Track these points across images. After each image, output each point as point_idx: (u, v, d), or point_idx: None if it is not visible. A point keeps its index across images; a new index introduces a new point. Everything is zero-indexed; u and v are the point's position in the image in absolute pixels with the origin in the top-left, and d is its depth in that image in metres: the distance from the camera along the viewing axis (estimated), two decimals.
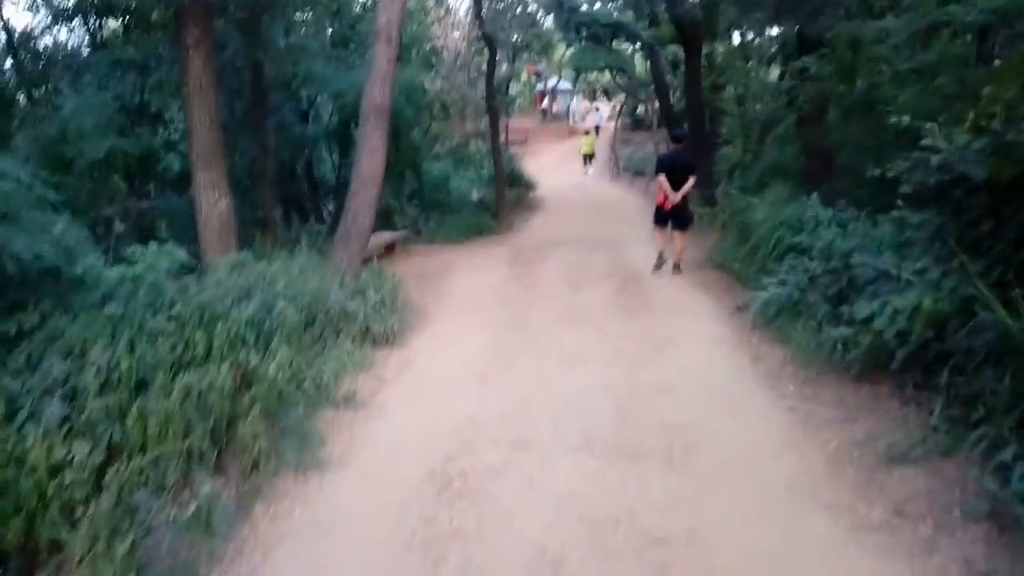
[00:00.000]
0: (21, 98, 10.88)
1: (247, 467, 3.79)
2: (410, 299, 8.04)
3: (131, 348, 4.00)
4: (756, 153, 22.02)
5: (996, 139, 3.75)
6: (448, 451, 4.34)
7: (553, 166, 28.64)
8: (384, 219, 13.41)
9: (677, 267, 9.16)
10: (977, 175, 3.79)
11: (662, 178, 8.94)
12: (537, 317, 7.47)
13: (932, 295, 3.91)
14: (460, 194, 18.88)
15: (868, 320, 4.88)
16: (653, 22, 17.49)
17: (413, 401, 5.20)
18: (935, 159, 4.17)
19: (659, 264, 9.20)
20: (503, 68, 22.29)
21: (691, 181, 8.88)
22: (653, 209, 9.30)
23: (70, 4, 11.35)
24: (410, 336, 6.76)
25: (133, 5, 8.65)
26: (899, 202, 4.68)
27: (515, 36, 19.69)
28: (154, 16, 10.51)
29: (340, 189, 13.99)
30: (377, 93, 7.08)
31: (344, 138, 13.88)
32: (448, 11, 31.72)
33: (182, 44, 8.01)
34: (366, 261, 8.98)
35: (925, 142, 4.30)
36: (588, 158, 28.13)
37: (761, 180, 13.90)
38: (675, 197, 8.76)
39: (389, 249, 11.34)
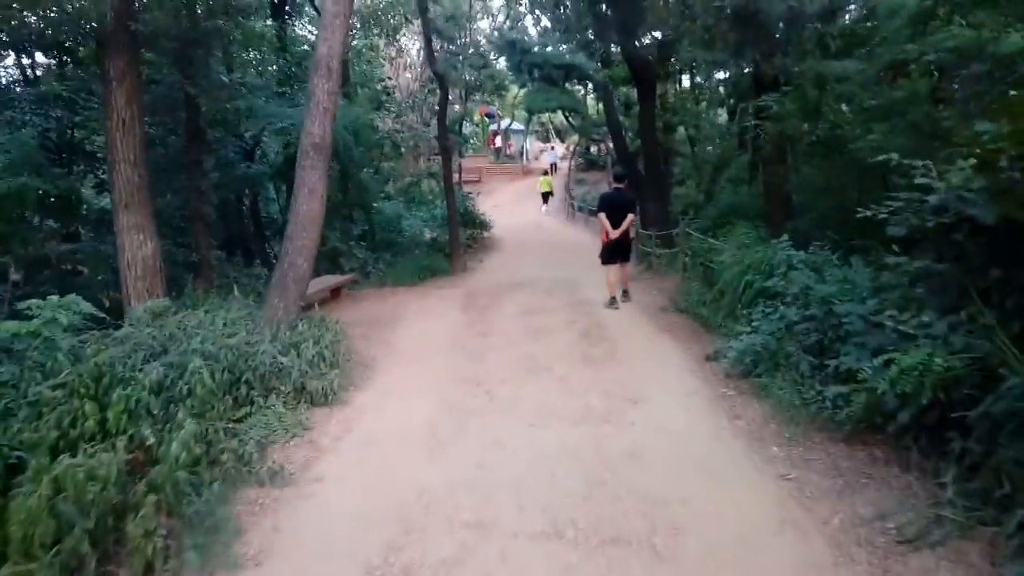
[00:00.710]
0: None
1: (138, 574, 3.06)
2: (355, 350, 7.37)
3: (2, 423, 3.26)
4: (709, 193, 22.20)
5: (1002, 178, 3.37)
6: (392, 538, 3.68)
7: (507, 205, 28.36)
8: (331, 262, 12.74)
9: (625, 293, 9.83)
10: (985, 217, 3.39)
11: (602, 216, 9.44)
12: (494, 368, 6.87)
13: (941, 352, 3.46)
14: (412, 234, 18.31)
15: (858, 375, 4.45)
16: (606, 63, 17.44)
17: (353, 473, 4.52)
18: (932, 199, 3.78)
19: (611, 304, 9.56)
20: (456, 108, 22.01)
21: (630, 218, 9.38)
22: (600, 248, 9.77)
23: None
24: (353, 393, 6.08)
25: (54, 36, 7.87)
26: (893, 246, 4.25)
27: (467, 76, 19.41)
28: (82, 50, 9.80)
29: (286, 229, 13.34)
30: (316, 129, 6.51)
31: (291, 177, 13.24)
32: (400, 51, 31.58)
33: (105, 76, 7.36)
34: (307, 308, 8.30)
35: (919, 181, 3.92)
36: (546, 196, 28.13)
37: (717, 221, 13.73)
38: (615, 233, 9.32)
39: (335, 294, 10.65)
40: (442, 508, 3.99)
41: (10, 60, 11.96)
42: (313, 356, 6.00)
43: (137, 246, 7.60)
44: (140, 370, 4.26)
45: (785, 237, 7.17)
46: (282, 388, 5.32)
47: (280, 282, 6.58)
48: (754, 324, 6.22)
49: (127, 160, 7.43)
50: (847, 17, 9.84)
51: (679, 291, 9.74)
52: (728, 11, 7.78)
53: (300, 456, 4.71)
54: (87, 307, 4.73)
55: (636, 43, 13.55)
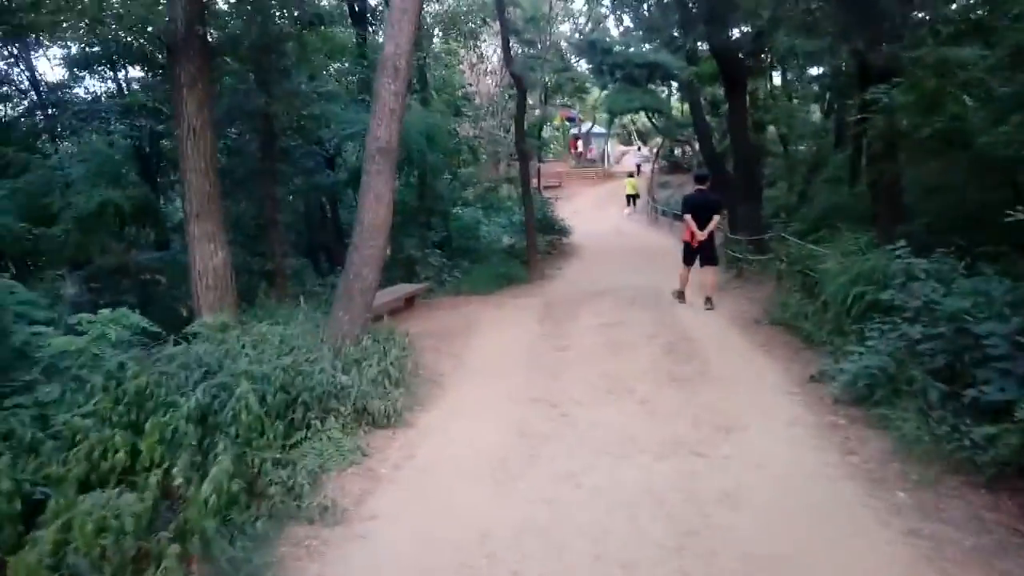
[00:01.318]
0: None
1: None
2: (423, 364, 7.00)
3: (26, 456, 2.99)
4: (803, 195, 20.87)
5: None
6: None
7: (588, 211, 27.73)
8: (406, 269, 12.52)
9: (709, 301, 9.41)
10: None
11: (688, 218, 9.46)
12: (571, 387, 6.33)
13: None
14: (490, 241, 18.00)
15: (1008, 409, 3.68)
16: (691, 60, 16.58)
17: (411, 509, 4.08)
18: None
19: (679, 297, 9.79)
20: (536, 112, 21.58)
21: (715, 219, 9.40)
22: (682, 249, 9.79)
23: (96, 50, 10.88)
24: (418, 413, 5.67)
25: (127, 44, 7.91)
26: None
27: (547, 78, 18.95)
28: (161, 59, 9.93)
29: None
30: (382, 132, 6.16)
31: None
32: (480, 57, 31.46)
33: (176, 82, 7.27)
34: (377, 319, 8.01)
35: None
36: (632, 199, 27.58)
37: (816, 224, 12.69)
38: (701, 235, 9.27)
39: (408, 303, 10.38)
40: (507, 559, 3.49)
41: (99, 72, 12.37)
42: (377, 373, 5.64)
43: (208, 256, 7.49)
44: (187, 393, 3.97)
45: (901, 243, 6.30)
46: (342, 409, 4.97)
47: (345, 294, 6.27)
48: (868, 343, 5.43)
49: (198, 169, 7.33)
50: None
51: (774, 301, 8.91)
52: None
53: (356, 487, 4.32)
54: (139, 320, 4.50)
55: (726, 36, 12.70)
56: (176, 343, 4.97)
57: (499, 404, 5.93)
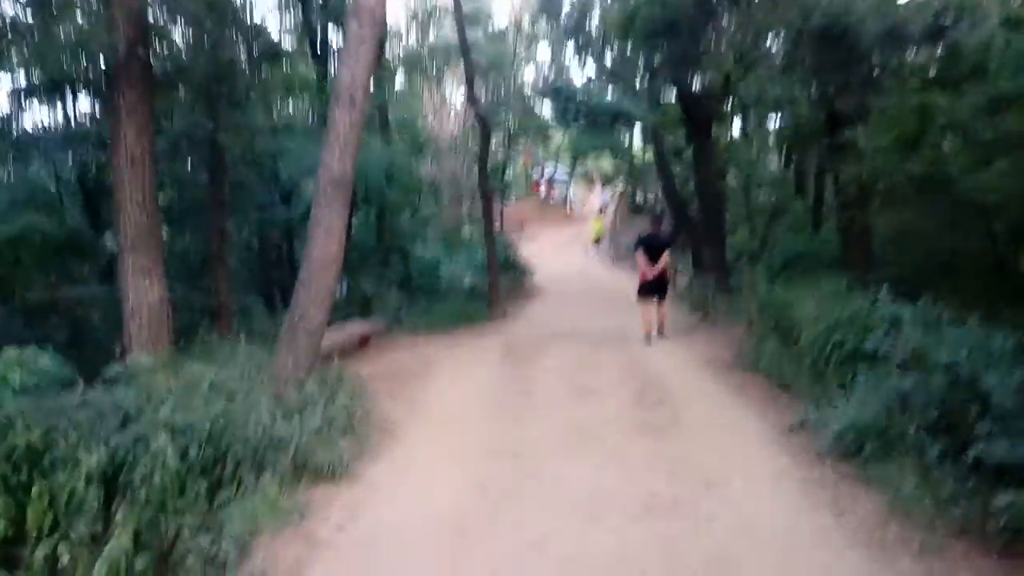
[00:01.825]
0: None
1: None
2: (376, 410, 6.43)
3: None
4: (764, 241, 20.97)
5: None
6: None
7: (550, 252, 27.50)
8: (363, 307, 11.95)
9: (660, 331, 9.92)
10: None
11: (639, 253, 9.85)
12: (535, 437, 5.84)
13: None
14: (451, 280, 17.51)
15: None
16: (655, 104, 16.60)
17: None
18: None
19: (648, 339, 9.77)
20: (498, 154, 21.43)
21: (666, 255, 9.79)
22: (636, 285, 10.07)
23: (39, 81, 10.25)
24: (367, 464, 5.10)
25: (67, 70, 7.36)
26: None
27: (510, 119, 18.84)
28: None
29: None
30: (335, 164, 5.71)
31: None
32: (444, 100, 31.47)
33: (114, 109, 6.75)
34: (327, 359, 7.45)
35: None
36: (597, 241, 27.79)
37: (781, 269, 12.59)
38: (652, 270, 9.67)
39: (363, 342, 9.80)
40: None
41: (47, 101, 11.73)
42: (322, 421, 5.08)
43: (143, 291, 6.86)
44: (97, 447, 3.37)
45: (882, 288, 6.05)
46: (279, 463, 4.38)
47: (290, 333, 5.72)
48: (855, 394, 5.09)
49: (134, 199, 6.75)
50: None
51: (746, 345, 8.61)
52: (813, 32, 6.81)
53: (290, 554, 3.73)
54: (47, 364, 3.91)
55: (692, 80, 12.68)
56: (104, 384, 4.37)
57: (457, 455, 5.40)
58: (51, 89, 9.87)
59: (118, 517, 2.86)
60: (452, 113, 32.24)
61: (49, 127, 10.96)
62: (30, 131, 10.58)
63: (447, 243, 18.82)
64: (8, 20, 7.22)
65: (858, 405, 4.99)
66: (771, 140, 28.16)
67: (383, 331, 10.60)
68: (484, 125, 13.34)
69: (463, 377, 8.12)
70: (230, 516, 3.75)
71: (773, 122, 27.92)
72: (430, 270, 17.41)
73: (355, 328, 9.68)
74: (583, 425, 6.09)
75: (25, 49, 7.75)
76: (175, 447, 3.47)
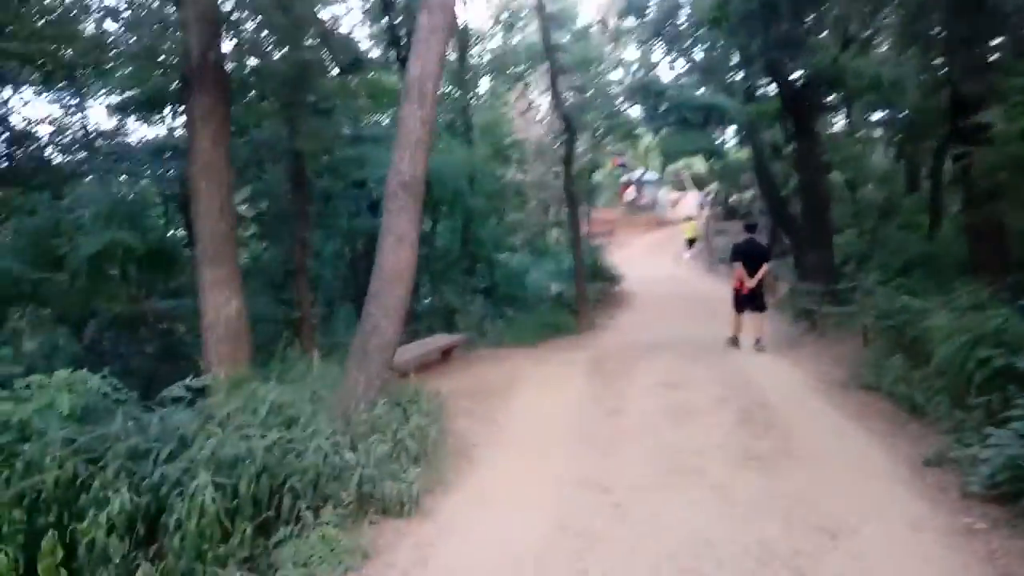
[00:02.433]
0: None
1: None
2: (453, 432, 6.02)
3: None
4: (873, 241, 19.40)
5: None
6: None
7: (641, 258, 26.65)
8: (446, 319, 11.65)
9: (759, 342, 9.52)
10: None
11: (738, 266, 9.69)
12: (625, 465, 5.26)
13: None
14: (538, 289, 17.03)
15: None
16: (750, 97, 15.56)
17: None
18: None
19: (732, 343, 9.82)
20: (586, 156, 20.82)
21: (765, 267, 9.63)
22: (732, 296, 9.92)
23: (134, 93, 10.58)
24: (440, 498, 4.67)
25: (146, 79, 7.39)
26: None
27: (597, 122, 18.21)
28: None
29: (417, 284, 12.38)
30: (405, 166, 5.34)
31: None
32: (530, 105, 31.18)
33: (189, 116, 6.67)
34: (403, 376, 7.14)
35: None
36: (691, 242, 26.77)
37: (899, 273, 11.40)
38: (751, 282, 9.47)
39: (445, 355, 9.47)
40: None
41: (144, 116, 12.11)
42: (392, 447, 4.69)
43: (220, 304, 6.73)
44: (131, 486, 3.08)
45: None
46: (342, 496, 4.01)
47: (360, 350, 5.37)
48: (1013, 423, 4.24)
49: (211, 210, 6.62)
50: None
51: (863, 362, 7.69)
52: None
53: None
54: (99, 384, 3.67)
55: (793, 67, 11.70)
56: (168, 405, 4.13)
57: (538, 486, 4.89)
58: (141, 102, 10.13)
59: (139, 570, 2.52)
60: (539, 117, 31.94)
61: (137, 140, 11.34)
62: (115, 144, 10.94)
63: (534, 250, 18.33)
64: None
65: (1015, 437, 4.14)
66: (878, 133, 26.39)
67: (466, 344, 10.23)
68: (568, 125, 12.83)
69: (548, 394, 7.61)
70: (283, 559, 3.39)
71: (880, 113, 26.16)
72: (516, 279, 17.01)
73: (436, 341, 9.37)
74: (680, 453, 5.46)
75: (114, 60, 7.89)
76: (219, 485, 3.12)
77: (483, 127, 17.19)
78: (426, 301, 12.01)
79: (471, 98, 14.90)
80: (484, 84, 19.44)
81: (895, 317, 7.49)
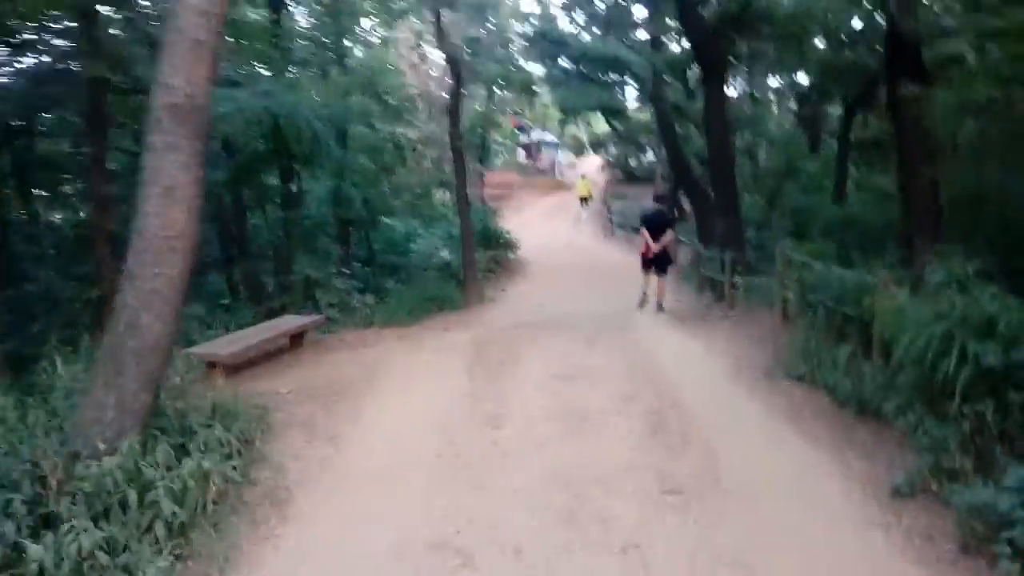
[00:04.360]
0: None
1: None
2: (271, 461, 4.36)
3: None
4: (771, 204, 18.88)
5: None
6: None
7: (537, 223, 25.34)
8: (305, 296, 9.78)
9: (660, 306, 9.98)
10: None
11: (644, 231, 10.14)
12: (503, 509, 3.80)
13: None
14: (424, 257, 15.33)
15: None
16: (655, 45, 14.25)
17: None
18: None
19: (642, 303, 10.22)
20: (478, 109, 19.12)
21: (669, 234, 10.12)
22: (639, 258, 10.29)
23: None
24: None
25: None
26: None
27: (490, 70, 16.50)
28: None
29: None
30: (177, 79, 3.52)
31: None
32: (423, 58, 28.96)
33: None
34: (236, 369, 5.44)
35: None
36: (584, 200, 25.89)
37: (818, 238, 10.55)
38: (655, 247, 9.93)
39: (295, 341, 7.68)
40: None
41: None
42: (138, 513, 2.98)
43: None
44: None
45: None
46: None
47: (110, 358, 3.58)
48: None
49: None
50: None
51: (787, 345, 6.55)
52: None
53: None
54: None
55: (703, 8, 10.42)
56: None
57: (372, 555, 3.34)
58: None
59: None
60: (433, 72, 29.77)
61: None
62: None
63: (418, 214, 16.55)
64: None
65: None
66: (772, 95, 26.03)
67: (323, 326, 8.44)
68: (455, 68, 11.08)
69: (413, 394, 6.03)
70: None
71: (776, 80, 25.77)
72: (399, 246, 15.26)
73: (281, 325, 7.57)
74: (575, 483, 4.04)
75: None
76: None
77: (364, 75, 15.08)
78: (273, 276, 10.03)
79: (344, 36, 12.79)
80: (365, 24, 17.22)
81: (824, 292, 6.38)
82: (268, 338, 7.10)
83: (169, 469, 3.38)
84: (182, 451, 3.69)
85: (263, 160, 9.51)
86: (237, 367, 6.56)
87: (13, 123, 9.71)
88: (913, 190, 7.37)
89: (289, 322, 7.74)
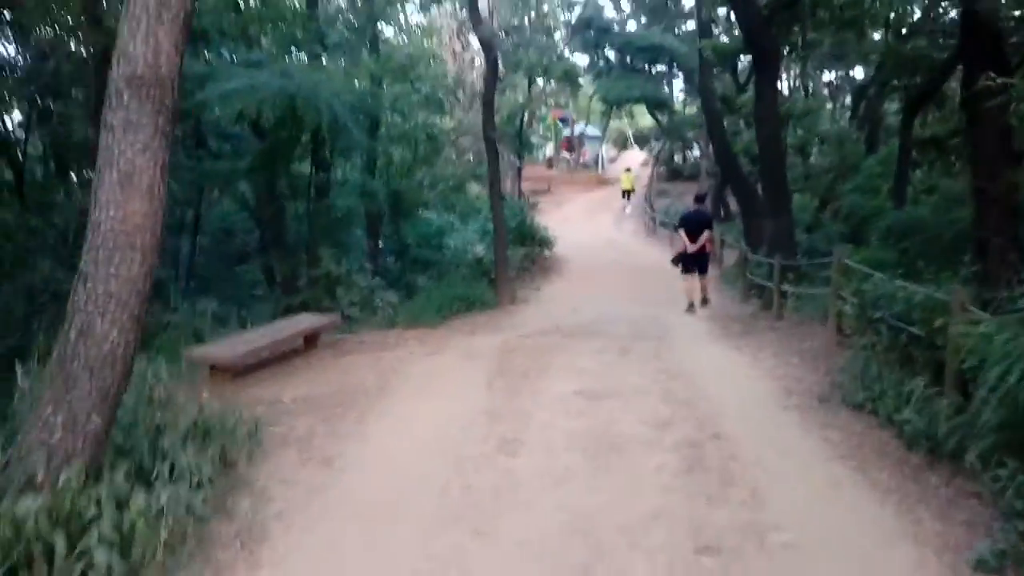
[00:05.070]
0: None
1: None
2: (254, 487, 3.89)
3: None
4: (823, 205, 17.89)
5: None
6: None
7: (578, 219, 24.68)
8: (327, 293, 9.37)
9: (705, 301, 10.42)
10: None
11: (682, 232, 10.48)
12: (514, 559, 3.26)
13: None
14: (459, 251, 14.83)
15: None
16: (704, 34, 13.40)
17: None
18: None
19: (690, 309, 10.19)
20: (519, 100, 18.52)
21: (706, 234, 10.31)
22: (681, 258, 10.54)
23: None
24: None
25: None
26: None
27: (531, 57, 15.86)
28: None
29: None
30: (137, 48, 3.07)
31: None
32: (465, 46, 28.47)
33: None
34: (242, 373, 5.05)
35: None
36: (627, 194, 25.56)
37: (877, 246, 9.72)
38: (693, 247, 10.19)
39: (310, 342, 7.26)
40: None
41: None
42: (70, 566, 2.52)
43: None
44: None
45: None
46: None
47: (61, 369, 3.14)
48: None
49: None
50: None
51: (843, 366, 5.86)
52: None
53: None
54: None
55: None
56: None
57: None
58: None
59: None
60: (475, 60, 29.25)
61: None
62: None
63: (450, 207, 16.03)
64: None
65: None
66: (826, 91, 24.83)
67: (345, 324, 8.00)
68: (490, 52, 10.52)
69: (426, 408, 5.53)
70: None
71: (831, 75, 24.58)
72: (433, 240, 14.79)
73: (293, 325, 7.14)
74: (594, 533, 3.48)
75: None
76: None
77: (398, 62, 14.61)
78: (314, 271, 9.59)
79: (378, 20, 12.31)
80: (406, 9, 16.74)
81: (887, 307, 5.65)
82: (279, 339, 6.68)
83: (119, 506, 2.91)
84: (143, 480, 3.23)
85: (288, 146, 9.11)
86: (243, 371, 6.17)
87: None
88: (990, 195, 6.57)
89: (303, 322, 7.31)
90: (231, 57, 10.23)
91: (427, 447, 4.69)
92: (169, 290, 8.70)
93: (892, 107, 18.72)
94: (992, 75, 6.24)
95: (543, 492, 3.97)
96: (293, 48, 11.78)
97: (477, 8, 10.73)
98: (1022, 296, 3.96)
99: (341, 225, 11.02)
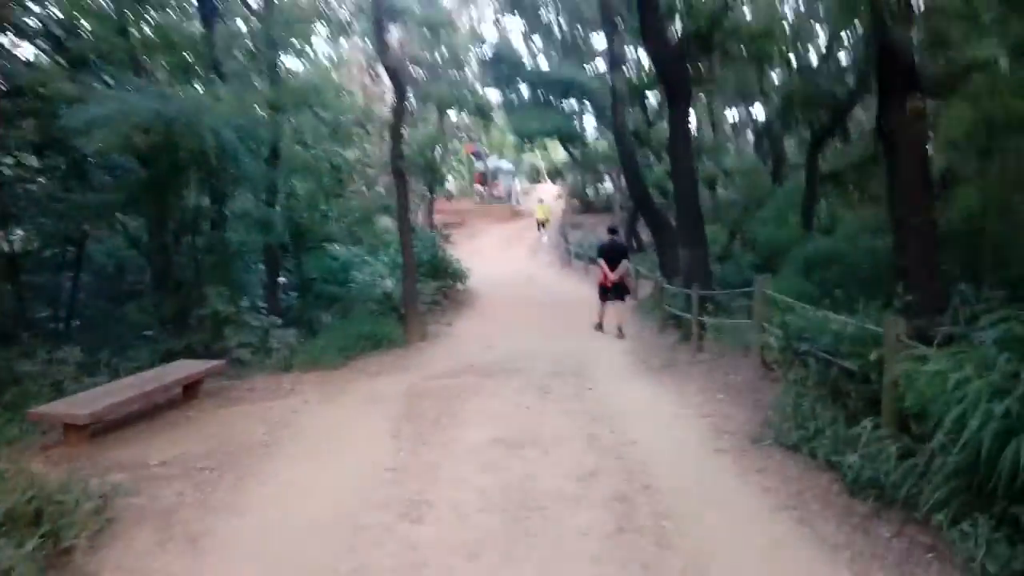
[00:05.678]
0: None
1: None
2: None
3: None
4: (732, 236, 18.17)
5: None
6: None
7: (492, 251, 24.34)
8: (214, 334, 8.44)
9: (620, 331, 10.38)
10: None
11: (601, 262, 10.75)
12: None
13: None
14: (367, 287, 14.01)
15: None
16: (614, 67, 13.36)
17: None
18: None
19: (598, 328, 10.79)
20: (428, 131, 18.06)
21: (624, 264, 10.78)
22: (597, 288, 11.00)
23: None
24: None
25: None
26: None
27: (442, 89, 15.46)
28: None
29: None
30: None
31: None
32: (374, 77, 27.89)
33: None
34: (102, 431, 4.15)
35: None
36: (542, 224, 26.45)
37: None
38: (613, 276, 10.53)
39: (190, 392, 6.39)
40: None
41: None
42: None
43: None
44: None
45: None
46: None
47: None
48: None
49: None
50: None
51: (772, 402, 5.53)
52: None
53: None
54: None
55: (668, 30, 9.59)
56: None
57: None
58: None
59: None
60: (386, 93, 28.66)
61: None
62: None
63: (357, 241, 15.21)
64: None
65: None
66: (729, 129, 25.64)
67: (222, 373, 7.10)
68: (396, 80, 9.98)
69: (316, 469, 4.80)
70: None
71: (733, 111, 25.40)
72: (337, 274, 13.95)
73: (170, 373, 6.23)
74: None
75: None
76: None
77: (299, 90, 13.83)
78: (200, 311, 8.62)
79: (278, 48, 11.57)
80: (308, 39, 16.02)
81: (816, 341, 5.37)
82: (150, 390, 5.78)
83: None
84: None
85: (171, 175, 8.23)
86: (104, 429, 5.27)
87: None
88: (910, 225, 6.50)
89: (181, 369, 6.42)
90: (113, 84, 9.30)
91: (317, 517, 3.98)
92: (21, 337, 7.55)
93: (790, 143, 19.45)
94: (919, 97, 6.16)
95: (452, 571, 3.35)
96: (188, 76, 10.91)
97: (383, 35, 10.21)
98: (971, 328, 3.66)
99: (234, 260, 10.09)
